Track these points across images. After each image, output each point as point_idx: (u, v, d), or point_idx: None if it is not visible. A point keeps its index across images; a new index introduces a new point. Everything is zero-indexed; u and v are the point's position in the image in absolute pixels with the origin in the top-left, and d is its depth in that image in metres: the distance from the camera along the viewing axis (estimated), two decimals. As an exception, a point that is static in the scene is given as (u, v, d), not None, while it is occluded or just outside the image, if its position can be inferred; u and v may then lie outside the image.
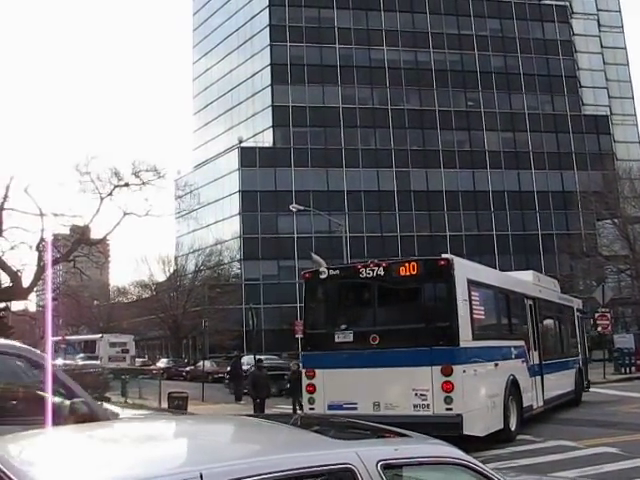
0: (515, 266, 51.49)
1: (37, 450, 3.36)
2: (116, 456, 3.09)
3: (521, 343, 15.04)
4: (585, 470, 9.75)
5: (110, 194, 36.07)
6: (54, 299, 42.95)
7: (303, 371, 13.36)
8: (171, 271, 67.79)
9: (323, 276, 13.34)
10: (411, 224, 68.04)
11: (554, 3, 78.88)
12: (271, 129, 70.89)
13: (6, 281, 33.91)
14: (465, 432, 11.29)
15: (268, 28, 72.74)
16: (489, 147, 72.17)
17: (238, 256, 67.92)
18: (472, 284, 12.79)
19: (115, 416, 5.66)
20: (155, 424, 4.64)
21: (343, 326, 12.93)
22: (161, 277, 67.56)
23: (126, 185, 36.67)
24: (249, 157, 69.44)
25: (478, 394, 12.39)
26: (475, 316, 12.67)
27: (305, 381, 13.05)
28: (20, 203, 43.11)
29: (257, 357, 25.77)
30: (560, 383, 17.75)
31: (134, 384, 27.48)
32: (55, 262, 37.18)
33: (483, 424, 12.24)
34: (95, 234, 40.64)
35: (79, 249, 37.68)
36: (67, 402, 5.22)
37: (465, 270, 12.81)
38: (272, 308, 60.74)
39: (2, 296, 33.44)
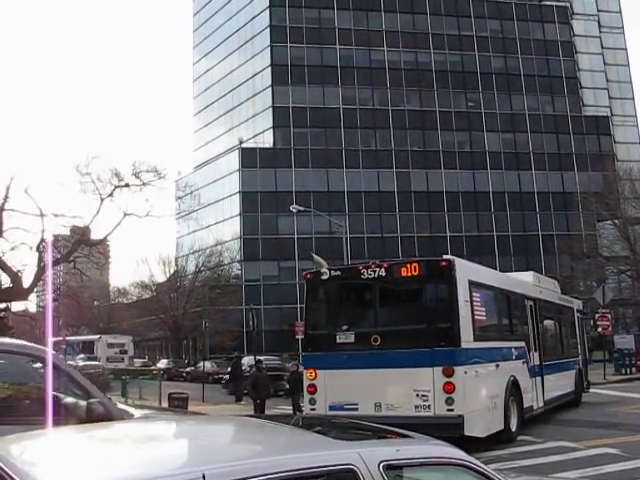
0: (515, 267, 51.39)
1: (39, 450, 3.35)
2: (118, 456, 3.10)
3: (522, 344, 15.04)
4: (586, 471, 9.74)
5: (110, 195, 36.11)
6: (54, 300, 43.02)
7: (304, 372, 13.36)
8: (171, 272, 67.78)
9: (324, 277, 13.34)
10: (411, 225, 68.03)
11: (554, 4, 78.90)
12: (271, 130, 70.89)
13: (6, 282, 34.03)
14: (466, 433, 11.27)
15: (268, 29, 72.79)
16: (489, 148, 72.15)
17: (238, 257, 67.89)
18: (473, 285, 12.78)
19: (130, 416, 5.65)
20: (157, 425, 4.64)
21: (344, 327, 12.93)
22: (161, 278, 67.61)
23: (126, 186, 36.68)
24: (249, 158, 69.43)
25: (479, 395, 12.38)
26: (476, 317, 12.68)
27: (306, 382, 13.04)
28: (20, 204, 42.97)
29: (257, 358, 25.78)
30: (560, 384, 17.73)
31: (134, 385, 27.45)
32: (55, 263, 37.17)
33: (484, 425, 12.23)
34: (95, 235, 40.73)
35: (79, 250, 37.67)
36: (83, 402, 5.21)
37: (466, 271, 12.80)
38: (272, 309, 60.75)
39: (2, 297, 33.48)
